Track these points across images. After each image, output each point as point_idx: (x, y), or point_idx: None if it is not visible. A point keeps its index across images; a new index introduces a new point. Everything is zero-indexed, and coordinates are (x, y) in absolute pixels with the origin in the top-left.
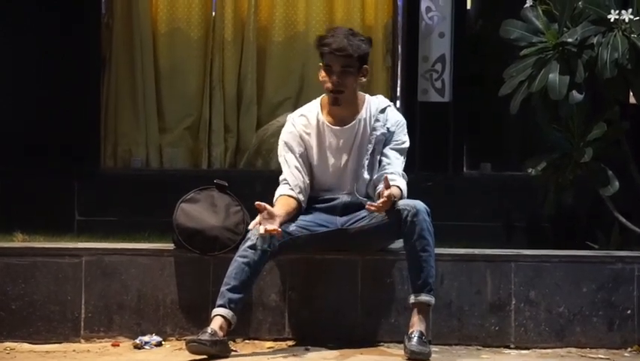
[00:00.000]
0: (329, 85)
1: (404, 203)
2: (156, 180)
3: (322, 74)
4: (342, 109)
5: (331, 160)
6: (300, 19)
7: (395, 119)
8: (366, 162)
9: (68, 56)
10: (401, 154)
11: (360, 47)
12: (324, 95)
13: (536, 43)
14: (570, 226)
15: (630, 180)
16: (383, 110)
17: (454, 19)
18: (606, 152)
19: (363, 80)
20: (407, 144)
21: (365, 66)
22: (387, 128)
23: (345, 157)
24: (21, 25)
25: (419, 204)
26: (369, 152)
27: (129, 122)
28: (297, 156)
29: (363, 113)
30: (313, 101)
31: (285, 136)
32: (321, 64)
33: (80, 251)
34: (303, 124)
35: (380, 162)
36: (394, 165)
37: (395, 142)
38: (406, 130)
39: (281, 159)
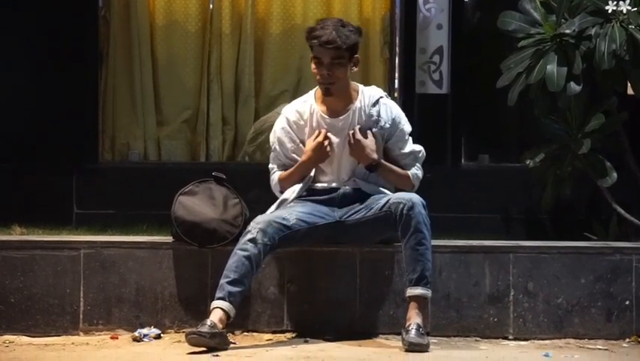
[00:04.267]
0: (319, 77)
1: (400, 196)
2: (154, 173)
3: (313, 65)
4: (336, 99)
5: None
6: (297, 11)
7: (388, 115)
8: None
9: (66, 49)
10: (406, 142)
11: (350, 37)
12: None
13: (534, 35)
14: (568, 218)
15: (628, 171)
16: (375, 104)
17: (452, 10)
18: (604, 143)
19: (355, 69)
20: (408, 129)
21: (356, 55)
22: (381, 126)
23: (340, 147)
24: (17, 20)
25: (415, 197)
26: None
27: (127, 115)
28: (288, 152)
29: (357, 104)
30: (309, 92)
31: (277, 131)
32: (312, 55)
33: (78, 244)
34: (296, 117)
35: (395, 161)
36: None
37: (397, 137)
38: (403, 119)
39: (273, 147)
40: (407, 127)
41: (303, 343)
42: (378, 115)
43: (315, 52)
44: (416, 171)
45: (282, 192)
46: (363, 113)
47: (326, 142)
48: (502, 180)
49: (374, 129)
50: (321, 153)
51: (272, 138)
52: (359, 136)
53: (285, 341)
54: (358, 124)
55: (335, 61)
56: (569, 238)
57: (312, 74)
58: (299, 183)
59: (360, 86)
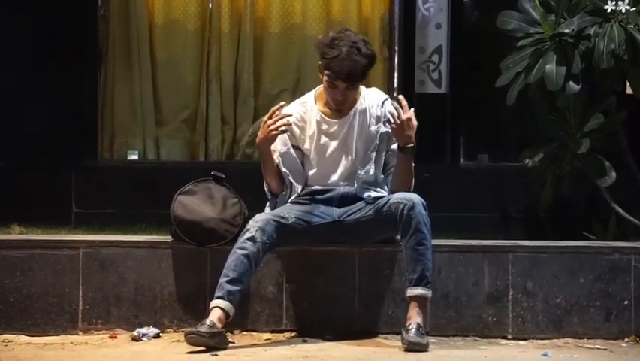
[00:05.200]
0: (331, 99)
1: (400, 196)
2: (153, 173)
3: (325, 84)
4: None
5: (327, 151)
6: (296, 10)
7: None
8: (371, 157)
9: (65, 49)
10: None
11: (365, 65)
12: (320, 86)
13: (533, 34)
14: (567, 217)
15: (627, 170)
16: (382, 104)
17: (451, 10)
18: (603, 143)
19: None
20: None
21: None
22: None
23: (341, 148)
24: (17, 19)
25: (415, 197)
26: (373, 148)
27: (126, 114)
28: (278, 155)
29: (359, 105)
30: (309, 93)
31: None
32: (320, 63)
33: (77, 243)
34: (297, 118)
35: (386, 163)
36: None
37: None
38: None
39: None
40: None
41: (302, 342)
42: (385, 117)
43: (329, 77)
44: None
45: (267, 188)
46: (366, 114)
47: (270, 121)
48: (501, 180)
49: (382, 129)
50: (265, 130)
51: None
52: (411, 114)
53: (284, 341)
54: (359, 125)
55: (350, 87)
56: (568, 237)
57: (318, 78)
58: (273, 173)
59: (362, 88)
